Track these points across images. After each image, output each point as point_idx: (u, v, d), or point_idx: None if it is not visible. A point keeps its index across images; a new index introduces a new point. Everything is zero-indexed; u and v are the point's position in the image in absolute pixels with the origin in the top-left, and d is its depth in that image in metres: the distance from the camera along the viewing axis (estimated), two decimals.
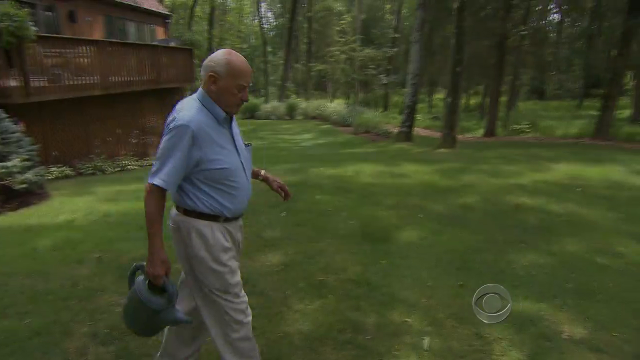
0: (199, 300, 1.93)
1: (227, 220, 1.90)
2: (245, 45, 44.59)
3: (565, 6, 24.13)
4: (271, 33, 46.08)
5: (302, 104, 25.61)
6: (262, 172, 2.18)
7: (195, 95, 1.86)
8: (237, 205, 1.91)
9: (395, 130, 15.61)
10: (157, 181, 1.73)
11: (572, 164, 8.75)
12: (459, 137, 15.53)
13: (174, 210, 1.92)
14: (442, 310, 3.00)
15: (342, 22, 33.56)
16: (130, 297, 1.85)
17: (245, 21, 47.59)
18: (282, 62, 34.54)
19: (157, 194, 1.75)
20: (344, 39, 31.10)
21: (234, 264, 1.94)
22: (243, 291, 1.96)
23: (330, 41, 33.30)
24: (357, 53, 29.24)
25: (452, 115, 12.16)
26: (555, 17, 30.84)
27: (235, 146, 1.91)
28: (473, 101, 34.31)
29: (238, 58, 1.80)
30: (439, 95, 34.64)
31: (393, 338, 2.66)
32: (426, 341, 2.62)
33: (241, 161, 1.92)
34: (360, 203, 5.75)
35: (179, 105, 1.84)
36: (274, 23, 47.66)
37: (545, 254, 4.12)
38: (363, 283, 3.39)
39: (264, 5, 45.82)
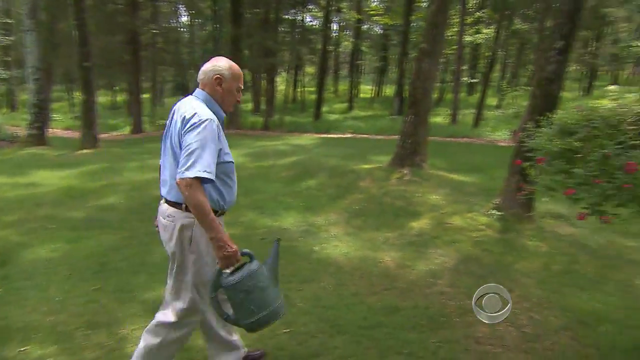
0: (177, 285, 2.01)
1: (221, 214, 2.03)
2: None
3: (191, 10, 26.37)
4: None
5: None
6: None
7: (196, 97, 1.98)
8: (232, 199, 2.05)
9: (25, 133, 13.20)
10: (200, 173, 1.75)
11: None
12: (105, 136, 14.75)
13: (171, 209, 1.94)
14: (72, 322, 2.80)
15: None
16: (247, 291, 1.82)
17: None
18: None
19: (200, 185, 1.77)
20: None
21: None
22: None
23: None
24: None
25: (88, 113, 11.32)
26: (185, 19, 33.38)
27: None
28: (120, 98, 33.09)
29: (235, 64, 2.03)
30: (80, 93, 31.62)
31: None
32: None
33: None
34: None
35: (188, 106, 1.90)
36: None
37: None
38: None
39: None
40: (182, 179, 1.75)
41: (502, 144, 13.17)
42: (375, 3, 23.67)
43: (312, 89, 31.90)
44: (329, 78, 36.85)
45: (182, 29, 33.90)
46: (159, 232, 2.06)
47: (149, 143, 12.59)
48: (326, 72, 24.98)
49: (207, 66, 1.99)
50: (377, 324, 2.83)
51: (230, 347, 2.26)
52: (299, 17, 23.09)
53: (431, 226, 4.67)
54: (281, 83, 32.38)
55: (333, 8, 21.42)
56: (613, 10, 19.98)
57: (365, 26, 27.99)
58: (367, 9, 23.33)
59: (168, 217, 1.94)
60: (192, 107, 1.89)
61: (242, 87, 2.07)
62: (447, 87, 26.04)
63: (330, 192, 6.18)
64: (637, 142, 1.88)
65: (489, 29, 19.86)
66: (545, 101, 4.45)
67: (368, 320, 2.87)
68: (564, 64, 4.46)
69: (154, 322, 2.07)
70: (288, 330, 2.76)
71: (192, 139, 1.79)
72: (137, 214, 5.16)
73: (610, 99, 2.14)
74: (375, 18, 22.91)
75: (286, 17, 22.23)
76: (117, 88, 31.22)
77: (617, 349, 2.57)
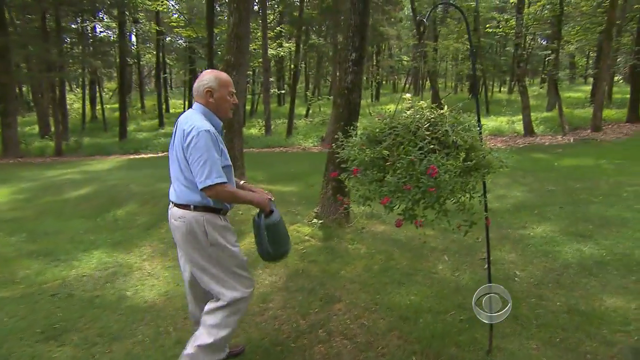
0: (212, 279, 2.22)
1: (224, 213, 2.26)
2: None
3: None
4: None
5: None
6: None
7: (195, 110, 2.23)
8: None
9: None
10: (218, 180, 2.06)
11: None
12: None
13: (180, 211, 2.16)
14: None
15: None
16: (276, 228, 2.28)
17: None
18: None
19: (221, 185, 2.07)
20: None
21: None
22: None
23: None
24: None
25: None
26: None
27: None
28: None
29: (221, 73, 2.28)
30: None
31: None
32: None
33: None
34: None
35: (187, 118, 2.15)
36: None
37: None
38: None
39: None
40: (206, 187, 2.05)
41: (314, 150, 14.01)
42: (175, 15, 22.64)
43: (115, 105, 28.92)
44: (134, 93, 33.99)
45: None
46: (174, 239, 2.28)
47: None
48: (129, 87, 22.82)
49: (196, 83, 2.24)
50: None
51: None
52: (88, 27, 20.55)
53: None
54: (76, 101, 28.44)
55: (128, 18, 19.70)
56: (387, 29, 23.46)
57: (168, 38, 26.64)
58: (168, 21, 22.17)
59: (179, 218, 2.16)
60: (192, 120, 2.13)
61: (234, 91, 2.29)
62: (258, 98, 26.65)
63: (143, 221, 5.47)
64: (434, 146, 1.97)
65: (289, 42, 21.04)
66: (348, 109, 4.71)
67: None
68: (360, 74, 4.80)
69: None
70: None
71: (199, 151, 2.04)
72: None
73: (406, 107, 2.21)
74: (177, 30, 21.93)
75: (72, 26, 19.54)
76: None
77: (435, 337, 2.75)
